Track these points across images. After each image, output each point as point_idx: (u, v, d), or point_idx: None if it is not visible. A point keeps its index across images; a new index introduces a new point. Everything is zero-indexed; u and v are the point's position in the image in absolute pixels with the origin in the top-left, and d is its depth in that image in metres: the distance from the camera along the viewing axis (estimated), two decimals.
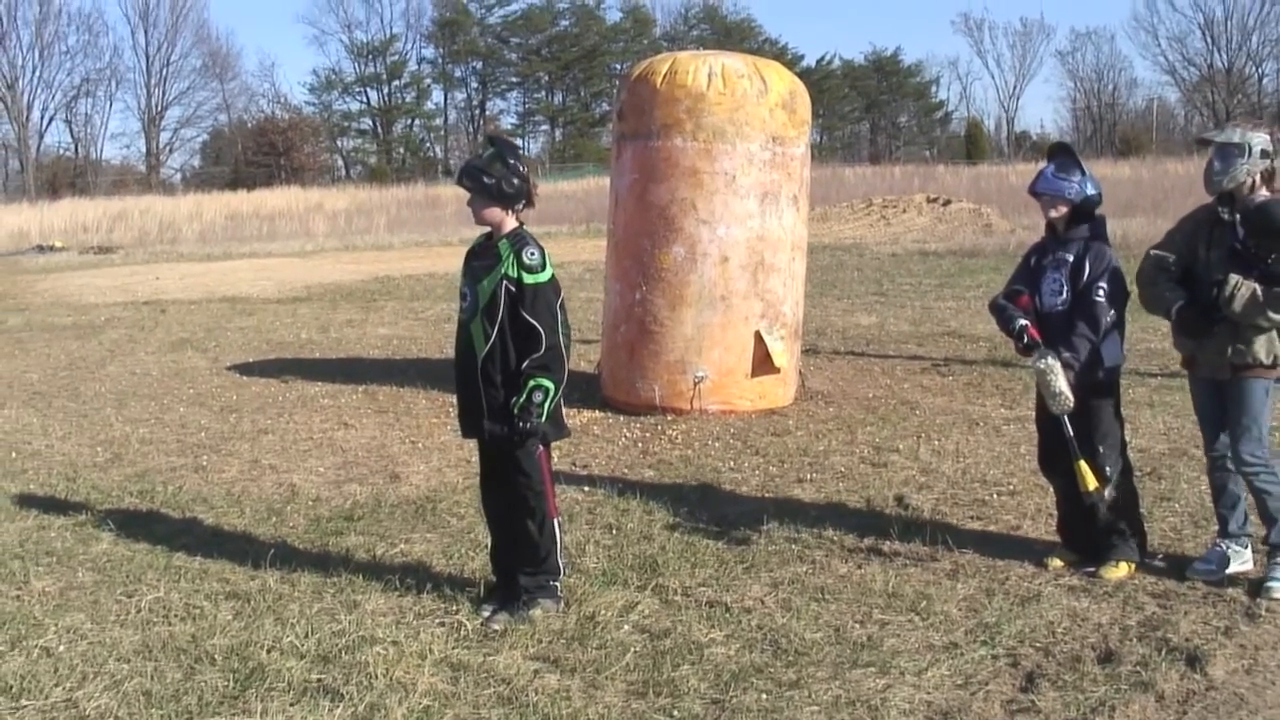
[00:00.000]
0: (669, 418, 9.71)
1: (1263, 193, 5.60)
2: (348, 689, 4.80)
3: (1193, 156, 38.91)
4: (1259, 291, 5.48)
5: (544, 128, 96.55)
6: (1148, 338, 12.20)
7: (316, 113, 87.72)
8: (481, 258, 5.52)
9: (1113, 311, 5.93)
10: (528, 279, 5.36)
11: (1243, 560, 5.91)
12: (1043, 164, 6.21)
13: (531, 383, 5.33)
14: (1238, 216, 5.61)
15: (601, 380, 10.60)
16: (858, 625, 5.43)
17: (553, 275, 5.46)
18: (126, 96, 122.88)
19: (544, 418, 5.37)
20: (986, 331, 13.16)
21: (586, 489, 7.74)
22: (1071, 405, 5.82)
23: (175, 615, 5.66)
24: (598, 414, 10.04)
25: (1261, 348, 5.62)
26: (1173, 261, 5.81)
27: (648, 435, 9.31)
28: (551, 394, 5.36)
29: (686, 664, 5.04)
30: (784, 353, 10.00)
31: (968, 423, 9.43)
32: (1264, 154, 5.56)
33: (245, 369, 12.88)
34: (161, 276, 24.88)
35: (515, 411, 5.34)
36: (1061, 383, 5.79)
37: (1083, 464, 5.85)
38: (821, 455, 8.58)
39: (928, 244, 26.64)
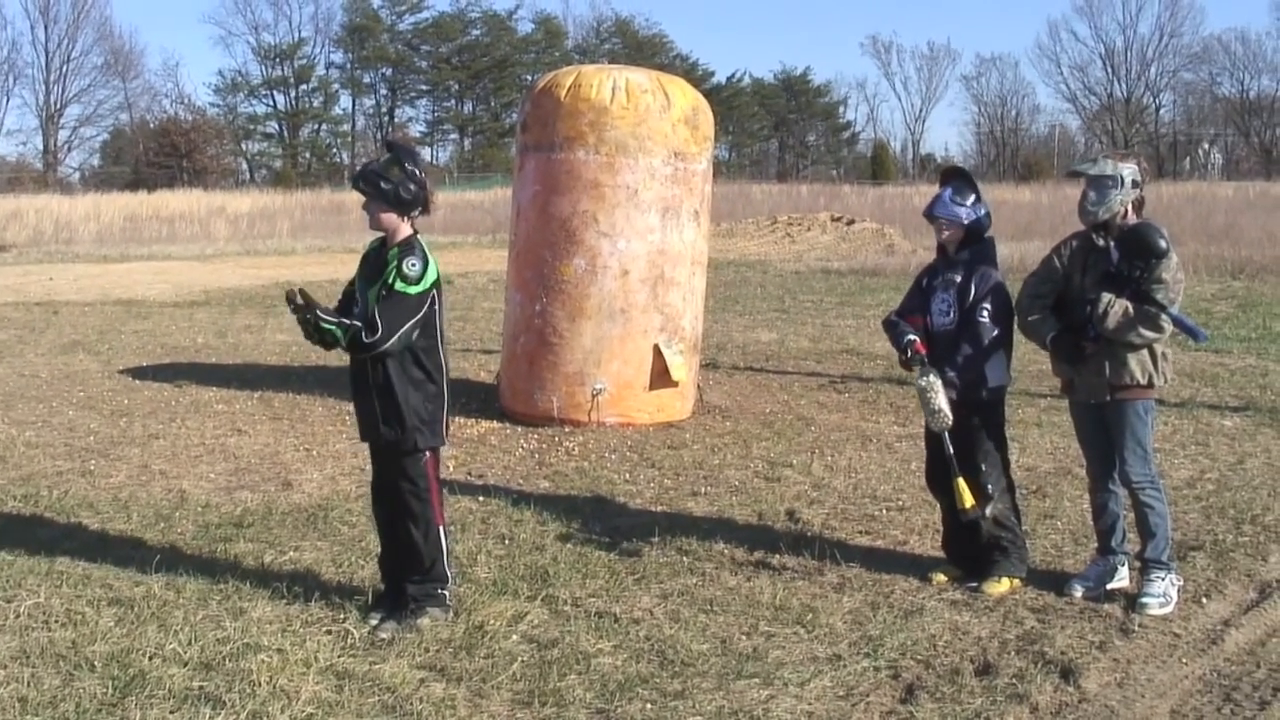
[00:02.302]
0: (566, 429, 9.73)
1: (1133, 218, 5.82)
2: (230, 696, 4.75)
3: None
4: (1130, 309, 5.67)
5: (453, 136, 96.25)
6: (1039, 359, 12.38)
7: (221, 115, 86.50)
8: (374, 264, 5.52)
9: (996, 331, 6.06)
10: (399, 285, 5.35)
11: (1120, 577, 6.08)
12: (939, 188, 6.32)
13: (346, 326, 5.34)
14: (1112, 242, 5.79)
15: (500, 391, 10.59)
16: (744, 637, 5.49)
17: (424, 290, 5.40)
18: (24, 92, 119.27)
19: (304, 320, 5.37)
20: (884, 350, 13.34)
21: (481, 499, 7.73)
22: (950, 423, 5.94)
23: (55, 621, 5.55)
24: (495, 424, 10.03)
25: (1137, 368, 5.78)
26: (1048, 288, 5.97)
27: (545, 446, 9.32)
28: (329, 337, 5.38)
29: (573, 674, 5.06)
30: (682, 366, 10.07)
31: (861, 439, 9.57)
32: (1134, 184, 5.78)
33: (138, 373, 12.66)
34: (55, 277, 24.35)
35: (321, 318, 5.33)
36: (941, 400, 5.91)
37: (961, 482, 5.97)
38: (716, 469, 8.65)
39: (831, 262, 26.96)
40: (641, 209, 9.86)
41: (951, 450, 5.98)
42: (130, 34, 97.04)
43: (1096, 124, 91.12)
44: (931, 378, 5.93)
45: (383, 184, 5.39)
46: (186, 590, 5.93)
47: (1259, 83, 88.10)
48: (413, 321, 5.38)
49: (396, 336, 5.34)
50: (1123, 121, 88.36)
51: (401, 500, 5.52)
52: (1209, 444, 9.30)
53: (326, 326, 5.36)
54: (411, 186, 5.41)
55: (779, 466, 8.68)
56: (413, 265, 5.37)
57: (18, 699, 4.73)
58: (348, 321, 5.39)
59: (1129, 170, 5.77)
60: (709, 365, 12.52)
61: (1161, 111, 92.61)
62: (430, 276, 5.44)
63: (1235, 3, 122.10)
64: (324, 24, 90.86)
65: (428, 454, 5.55)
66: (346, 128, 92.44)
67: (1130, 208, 5.80)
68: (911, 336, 6.10)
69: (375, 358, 5.39)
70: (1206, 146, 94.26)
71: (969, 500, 5.95)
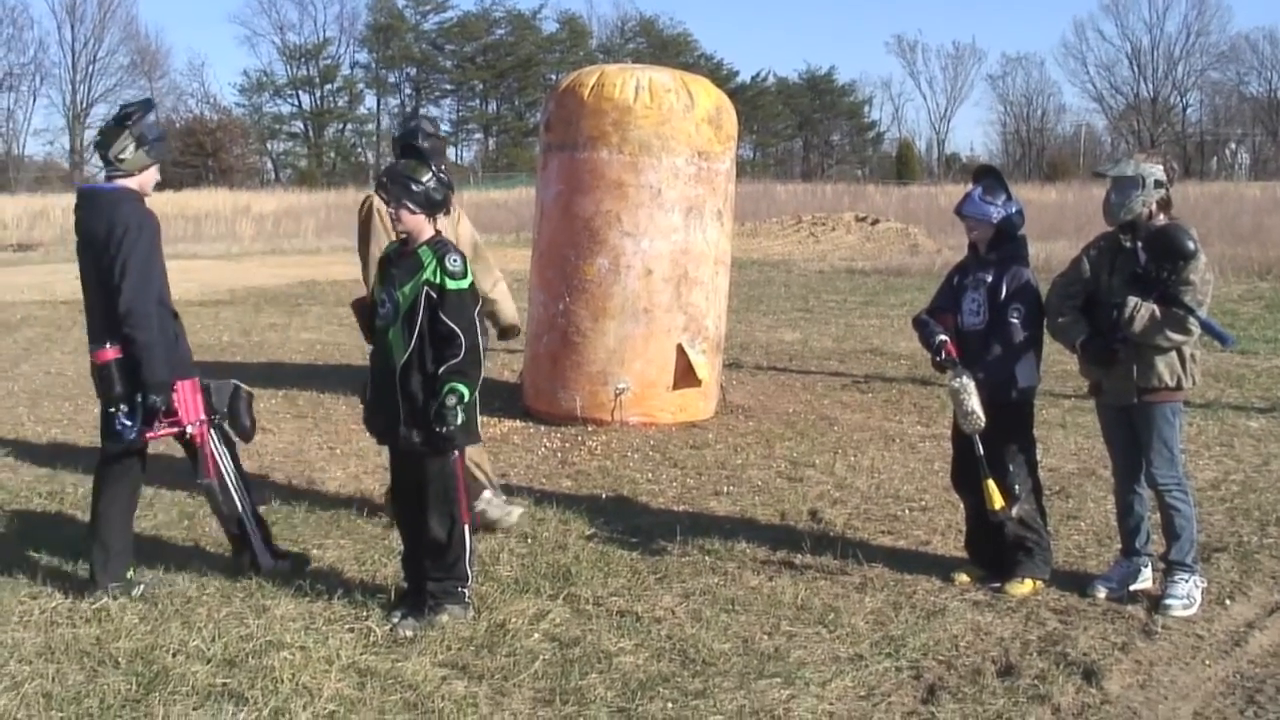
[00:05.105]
0: (589, 429, 9.74)
1: (1161, 219, 5.76)
2: (253, 693, 4.78)
3: None
4: (1157, 312, 5.63)
5: (477, 136, 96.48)
6: (1063, 360, 12.32)
7: (246, 114, 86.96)
8: (399, 264, 5.51)
9: (1027, 332, 6.04)
10: (450, 284, 5.37)
11: (1143, 578, 6.05)
12: (970, 186, 6.31)
13: (447, 386, 5.32)
14: (1139, 243, 5.75)
15: (523, 390, 10.61)
16: (766, 636, 5.48)
17: (473, 282, 5.48)
18: (51, 92, 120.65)
19: (459, 420, 5.36)
20: (908, 349, 13.34)
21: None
22: (982, 424, 5.91)
23: (80, 618, 5.59)
24: (518, 424, 10.04)
25: (1165, 370, 5.74)
26: (1077, 289, 5.94)
27: (567, 445, 9.33)
28: (465, 397, 5.37)
29: (595, 672, 5.06)
30: (705, 366, 10.07)
31: (884, 439, 9.54)
32: (1158, 184, 5.71)
33: None
34: None
35: (432, 415, 5.34)
36: (974, 402, 5.89)
37: (991, 483, 5.94)
38: (739, 469, 8.65)
39: (855, 262, 26.90)
40: (665, 208, 9.86)
41: (981, 451, 5.96)
42: (156, 34, 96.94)
43: (1123, 123, 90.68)
44: (965, 379, 5.91)
45: (414, 186, 5.40)
46: (210, 588, 5.96)
47: None
48: (476, 312, 5.47)
49: (475, 333, 5.42)
50: (1149, 121, 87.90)
51: (429, 500, 5.52)
52: (1234, 445, 9.24)
53: (451, 403, 5.31)
54: (440, 188, 5.44)
55: (802, 466, 8.67)
56: (454, 261, 5.40)
57: (42, 694, 4.77)
58: (449, 385, 5.32)
59: (1152, 170, 5.72)
60: (732, 365, 12.51)
61: (1188, 111, 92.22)
62: (471, 268, 5.48)
63: (1263, 2, 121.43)
64: (349, 24, 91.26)
65: (457, 453, 5.57)
66: (371, 127, 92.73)
67: (1155, 207, 5.75)
68: (943, 338, 6.07)
69: (414, 362, 5.40)
70: (1233, 146, 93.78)
71: (998, 501, 5.92)
